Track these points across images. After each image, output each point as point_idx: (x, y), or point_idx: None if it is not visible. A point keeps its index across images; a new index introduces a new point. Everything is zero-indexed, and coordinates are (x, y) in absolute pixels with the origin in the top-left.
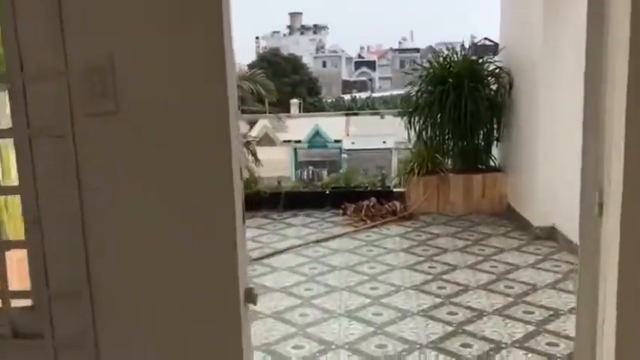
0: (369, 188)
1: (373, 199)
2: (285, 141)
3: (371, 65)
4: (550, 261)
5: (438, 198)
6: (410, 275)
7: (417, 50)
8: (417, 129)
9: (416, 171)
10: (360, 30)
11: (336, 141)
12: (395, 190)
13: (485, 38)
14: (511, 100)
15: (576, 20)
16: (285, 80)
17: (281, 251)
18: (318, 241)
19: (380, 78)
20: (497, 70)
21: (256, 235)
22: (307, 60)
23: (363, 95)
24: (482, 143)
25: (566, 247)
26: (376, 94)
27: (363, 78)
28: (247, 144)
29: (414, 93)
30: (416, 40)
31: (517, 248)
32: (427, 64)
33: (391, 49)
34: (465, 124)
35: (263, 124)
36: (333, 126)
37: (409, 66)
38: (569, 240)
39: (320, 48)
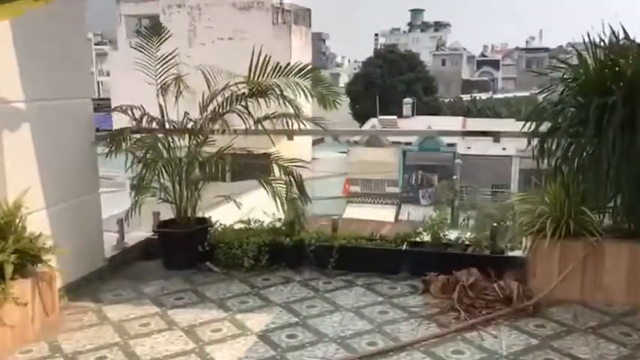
0: (469, 251)
1: (475, 273)
2: (394, 142)
3: (494, 65)
4: None
5: (584, 279)
6: None
7: (546, 50)
8: (555, 162)
9: (549, 231)
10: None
11: (450, 145)
12: (512, 254)
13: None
14: None
15: None
16: (400, 78)
17: None
18: (371, 357)
19: (503, 78)
20: None
21: (275, 323)
22: (426, 58)
23: (484, 96)
24: None
25: None
26: (498, 95)
27: (485, 78)
28: (289, 173)
29: (549, 105)
30: (545, 39)
31: None
32: (575, 61)
33: (517, 49)
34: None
35: (372, 123)
36: (447, 128)
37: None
38: None
39: (440, 46)
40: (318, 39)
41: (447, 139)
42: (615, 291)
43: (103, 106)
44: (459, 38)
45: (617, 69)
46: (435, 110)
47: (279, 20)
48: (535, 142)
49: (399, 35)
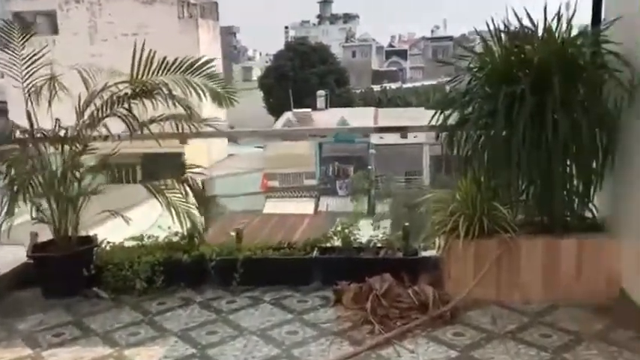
0: (381, 254)
1: (388, 279)
2: (311, 135)
3: (402, 55)
4: None
5: (500, 278)
6: None
7: (450, 38)
8: (465, 156)
9: (462, 230)
10: (391, 19)
11: (364, 135)
12: (425, 254)
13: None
14: (632, 112)
15: None
16: (312, 71)
17: None
18: None
19: (411, 68)
20: (606, 61)
21: (168, 357)
22: (336, 50)
23: (394, 86)
24: (579, 186)
25: None
26: (408, 85)
27: (394, 68)
28: (183, 180)
29: (456, 94)
30: (450, 28)
31: None
32: (481, 49)
33: (423, 38)
34: (551, 152)
35: (287, 117)
36: (361, 119)
37: (442, 55)
38: None
39: (350, 37)
40: (228, 33)
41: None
42: (532, 289)
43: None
44: (367, 29)
45: (523, 56)
46: (348, 102)
47: (185, 14)
48: (444, 135)
49: (309, 28)
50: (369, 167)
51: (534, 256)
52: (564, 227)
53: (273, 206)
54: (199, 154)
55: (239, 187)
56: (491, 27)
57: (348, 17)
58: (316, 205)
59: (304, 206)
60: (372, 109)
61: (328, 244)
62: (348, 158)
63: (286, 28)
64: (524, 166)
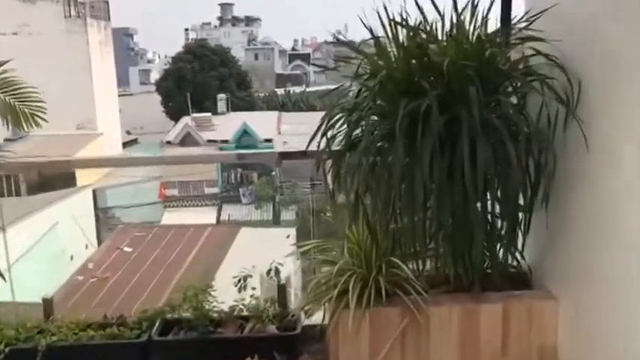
0: (248, 329)
1: None
2: (209, 140)
3: (305, 58)
4: None
5: (405, 358)
6: None
7: (353, 43)
8: (355, 194)
9: (352, 297)
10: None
11: (267, 140)
12: (309, 322)
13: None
14: (570, 133)
15: None
16: (212, 74)
17: None
18: None
19: (315, 72)
20: (534, 65)
21: None
22: (239, 53)
23: (298, 89)
24: (503, 228)
25: None
26: (311, 88)
27: (298, 72)
28: None
29: (342, 112)
30: (351, 33)
31: None
32: (372, 49)
33: (325, 42)
34: (467, 186)
35: (185, 122)
36: (263, 123)
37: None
38: None
39: (252, 40)
40: (124, 34)
41: (264, 134)
42: None
43: None
44: (270, 32)
45: (427, 59)
46: (250, 105)
47: (73, 13)
48: (328, 165)
49: (210, 30)
50: (273, 173)
51: (449, 327)
52: (485, 282)
53: (173, 216)
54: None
55: (136, 196)
56: (384, 19)
57: (249, 20)
58: (219, 214)
59: (206, 216)
60: (276, 113)
61: (174, 315)
62: (251, 165)
63: (186, 30)
64: (432, 206)
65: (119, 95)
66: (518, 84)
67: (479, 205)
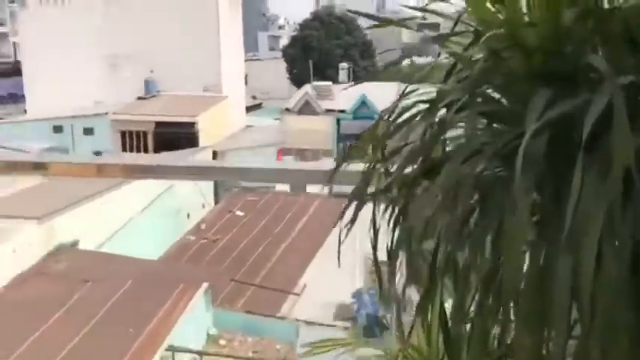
0: None
1: None
2: (328, 110)
3: (435, 28)
4: None
5: None
6: None
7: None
8: (430, 264)
9: None
10: None
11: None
12: None
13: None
14: None
15: None
16: (337, 42)
17: None
18: None
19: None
20: None
21: None
22: (365, 22)
23: (423, 60)
24: None
25: None
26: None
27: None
28: None
29: (419, 109)
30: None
31: None
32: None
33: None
34: None
35: (305, 90)
36: (382, 94)
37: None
38: None
39: (381, 8)
40: None
41: (382, 105)
42: None
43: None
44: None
45: (597, 6)
46: (372, 75)
47: None
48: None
49: None
50: None
51: None
52: None
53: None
54: (214, 124)
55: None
56: None
57: None
58: (330, 187)
59: (318, 186)
60: (396, 84)
61: None
62: None
63: None
64: (590, 313)
65: (248, 60)
66: None
67: None
